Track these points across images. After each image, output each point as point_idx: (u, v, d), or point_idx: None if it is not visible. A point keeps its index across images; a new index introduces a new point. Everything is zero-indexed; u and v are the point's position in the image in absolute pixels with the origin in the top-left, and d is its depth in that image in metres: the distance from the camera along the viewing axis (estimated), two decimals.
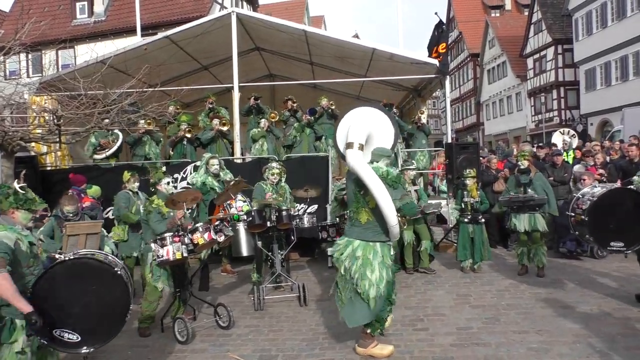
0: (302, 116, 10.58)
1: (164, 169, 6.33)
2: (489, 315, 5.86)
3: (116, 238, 7.20)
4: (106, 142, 9.80)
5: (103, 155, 9.74)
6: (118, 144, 9.85)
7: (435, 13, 10.52)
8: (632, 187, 5.92)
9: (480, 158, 10.07)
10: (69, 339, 3.51)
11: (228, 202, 6.92)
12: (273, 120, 10.34)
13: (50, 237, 6.10)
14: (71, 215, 6.25)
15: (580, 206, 5.85)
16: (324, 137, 10.67)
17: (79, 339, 3.54)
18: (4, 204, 3.62)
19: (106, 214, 8.36)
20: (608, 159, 9.86)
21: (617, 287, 6.72)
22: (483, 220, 7.91)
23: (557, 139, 13.38)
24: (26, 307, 3.27)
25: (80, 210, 6.63)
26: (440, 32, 10.25)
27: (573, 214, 6.00)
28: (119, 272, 3.80)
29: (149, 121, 9.77)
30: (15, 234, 3.43)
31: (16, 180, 6.88)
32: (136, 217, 6.93)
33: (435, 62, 10.04)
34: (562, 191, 8.76)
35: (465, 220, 7.89)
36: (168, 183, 6.11)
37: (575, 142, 13.06)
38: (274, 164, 7.30)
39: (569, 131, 13.60)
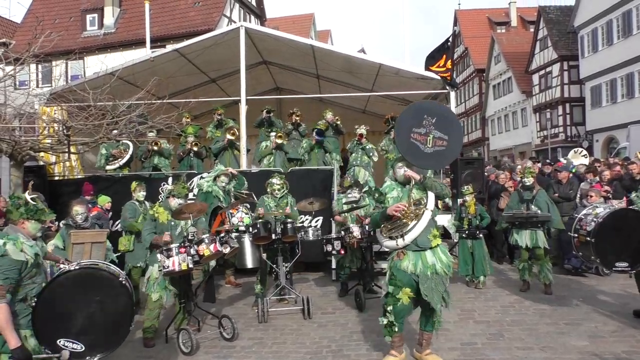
0: (311, 138, 10.57)
1: (187, 192, 6.36)
2: (494, 331, 5.85)
3: (122, 248, 7.25)
4: (118, 151, 9.90)
5: (116, 165, 9.83)
6: (130, 153, 9.95)
7: (454, 31, 10.62)
8: (634, 207, 5.95)
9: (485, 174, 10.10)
10: (72, 348, 3.54)
11: (230, 211, 6.99)
12: (279, 141, 10.33)
13: (61, 247, 6.13)
14: (80, 217, 6.27)
15: (584, 227, 5.85)
16: (330, 152, 10.69)
17: (83, 348, 3.57)
18: (15, 214, 3.66)
19: (115, 226, 8.41)
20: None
21: (622, 304, 6.69)
22: (481, 235, 7.96)
23: (572, 159, 13.27)
24: (13, 341, 3.29)
25: (90, 218, 6.68)
26: (446, 47, 10.32)
27: (576, 235, 5.99)
28: (123, 282, 3.84)
29: (156, 141, 9.87)
30: (19, 245, 3.45)
31: (27, 191, 6.99)
32: (141, 225, 6.99)
33: (437, 77, 10.09)
34: (567, 207, 8.75)
35: (464, 235, 7.97)
36: (179, 204, 6.12)
37: (586, 160, 12.99)
38: (275, 180, 7.36)
39: (581, 151, 13.56)
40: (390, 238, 4.75)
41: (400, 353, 4.87)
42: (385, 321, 4.82)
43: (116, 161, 9.85)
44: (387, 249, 5.07)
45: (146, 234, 5.89)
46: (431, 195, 4.78)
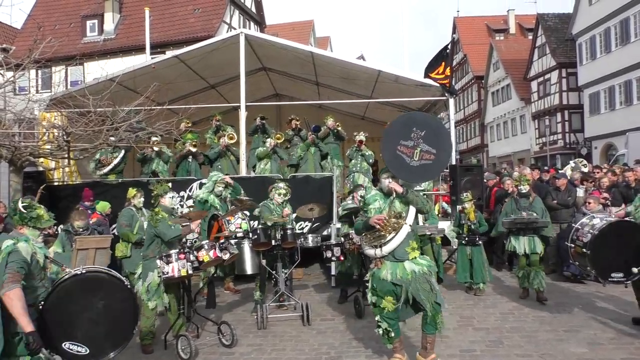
0: (308, 135, 10.68)
1: (169, 185, 6.38)
2: (493, 338, 5.85)
3: (119, 254, 7.25)
4: (105, 158, 9.91)
5: (103, 172, 9.85)
6: (116, 160, 9.93)
7: (453, 38, 10.67)
8: (629, 218, 5.97)
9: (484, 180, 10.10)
10: (77, 352, 3.57)
11: (227, 218, 6.99)
12: (278, 141, 10.45)
13: (61, 252, 6.15)
14: (81, 230, 6.32)
15: (580, 238, 5.87)
16: (329, 157, 10.76)
17: (88, 351, 3.59)
18: (14, 220, 3.73)
19: (112, 229, 8.41)
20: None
21: (621, 311, 6.69)
22: (480, 242, 7.96)
23: (570, 171, 13.20)
24: (28, 326, 3.32)
25: (90, 225, 6.69)
26: (445, 55, 10.37)
27: (572, 245, 6.02)
28: (128, 285, 3.89)
29: (157, 142, 9.87)
30: (31, 246, 3.51)
31: (21, 198, 7.03)
32: (135, 236, 7.01)
33: (436, 84, 10.14)
34: (565, 214, 8.77)
35: (463, 242, 7.97)
36: (172, 197, 6.17)
37: (586, 169, 12.95)
38: (282, 184, 7.36)
39: (582, 160, 13.55)
40: (372, 247, 4.86)
41: (403, 355, 4.93)
42: (380, 331, 4.88)
43: (104, 168, 9.86)
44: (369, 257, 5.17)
45: (169, 229, 5.61)
46: (412, 210, 4.83)
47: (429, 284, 4.72)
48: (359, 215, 5.21)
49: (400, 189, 4.78)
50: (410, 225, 4.78)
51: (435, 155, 4.88)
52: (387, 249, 4.75)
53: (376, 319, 4.88)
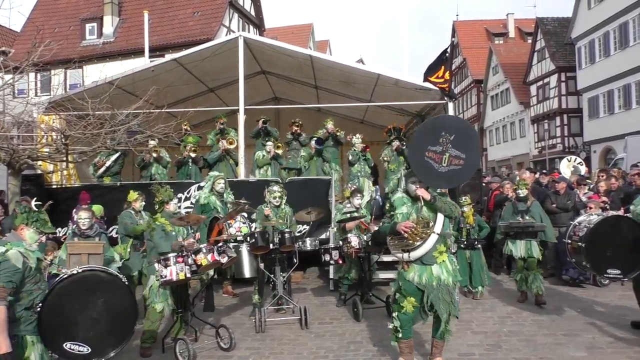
0: (310, 146, 10.65)
1: (171, 190, 6.38)
2: (491, 341, 5.84)
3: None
4: (99, 161, 9.91)
5: (98, 173, 9.85)
6: (109, 162, 9.92)
7: (452, 42, 10.67)
8: (628, 215, 5.97)
9: (484, 184, 10.09)
10: (79, 351, 3.57)
11: (228, 222, 7.00)
12: (278, 151, 10.44)
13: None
14: (82, 223, 6.10)
15: (577, 233, 5.91)
16: (328, 162, 10.77)
17: (89, 350, 3.60)
18: (18, 218, 3.72)
19: (110, 232, 8.39)
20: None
21: (620, 315, 6.68)
22: (479, 245, 7.96)
23: (564, 167, 13.22)
24: (6, 347, 3.26)
25: (98, 227, 6.58)
26: (444, 58, 10.36)
27: (570, 241, 6.05)
28: (125, 282, 3.89)
29: (155, 149, 9.87)
30: (23, 250, 3.48)
31: (34, 199, 7.01)
32: (143, 226, 6.93)
33: (436, 87, 10.13)
34: (564, 218, 8.76)
35: (462, 245, 7.97)
36: (176, 204, 6.17)
37: (583, 169, 12.91)
38: (275, 187, 7.38)
39: (575, 158, 13.47)
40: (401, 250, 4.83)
41: None
42: (391, 326, 4.90)
43: (99, 170, 9.86)
44: (396, 258, 5.16)
45: (161, 240, 5.74)
46: (440, 217, 4.78)
47: (450, 296, 4.73)
48: (384, 217, 5.19)
49: (427, 196, 4.72)
50: (438, 234, 4.73)
51: (464, 160, 4.76)
52: (414, 255, 4.74)
53: (394, 315, 4.88)
